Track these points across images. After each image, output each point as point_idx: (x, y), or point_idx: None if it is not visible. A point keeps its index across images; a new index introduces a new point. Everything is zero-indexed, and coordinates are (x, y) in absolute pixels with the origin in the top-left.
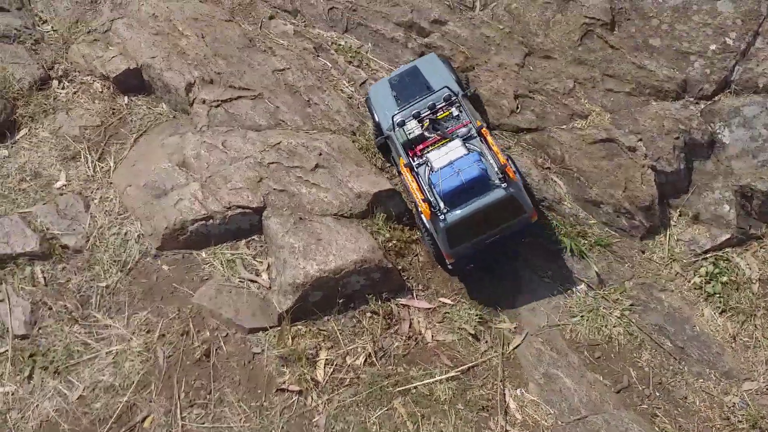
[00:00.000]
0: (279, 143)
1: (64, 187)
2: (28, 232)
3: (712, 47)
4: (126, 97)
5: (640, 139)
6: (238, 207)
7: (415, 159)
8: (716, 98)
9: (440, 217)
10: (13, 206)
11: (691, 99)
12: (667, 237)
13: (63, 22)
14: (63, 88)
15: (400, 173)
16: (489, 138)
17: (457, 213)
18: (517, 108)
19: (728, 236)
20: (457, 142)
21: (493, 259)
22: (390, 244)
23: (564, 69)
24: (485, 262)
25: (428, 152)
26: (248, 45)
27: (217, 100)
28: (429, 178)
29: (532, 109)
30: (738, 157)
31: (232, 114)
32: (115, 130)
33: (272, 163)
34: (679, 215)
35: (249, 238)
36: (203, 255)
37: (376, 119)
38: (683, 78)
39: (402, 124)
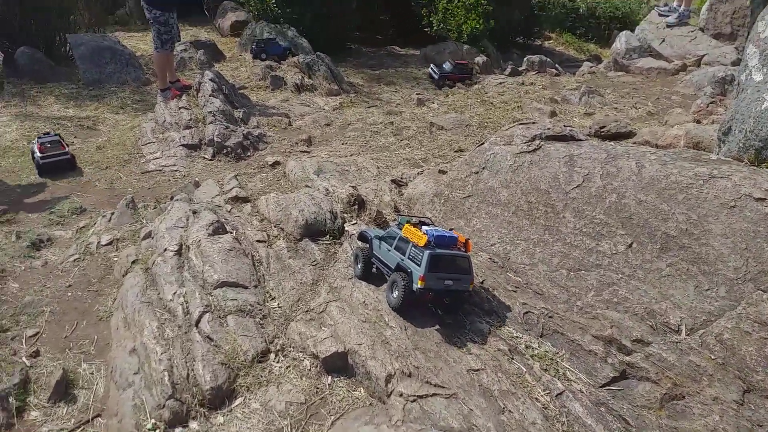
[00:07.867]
0: None
1: None
2: None
3: None
4: (330, 377)
5: None
6: None
7: None
8: None
9: (430, 246)
10: None
11: None
12: None
13: (287, 300)
14: (278, 362)
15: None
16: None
17: (440, 250)
18: None
19: None
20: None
21: None
22: None
23: None
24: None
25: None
26: (445, 340)
27: (414, 395)
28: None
29: None
30: None
31: (427, 411)
32: (315, 409)
33: None
34: None
35: None
36: None
37: (370, 237)
38: None
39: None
